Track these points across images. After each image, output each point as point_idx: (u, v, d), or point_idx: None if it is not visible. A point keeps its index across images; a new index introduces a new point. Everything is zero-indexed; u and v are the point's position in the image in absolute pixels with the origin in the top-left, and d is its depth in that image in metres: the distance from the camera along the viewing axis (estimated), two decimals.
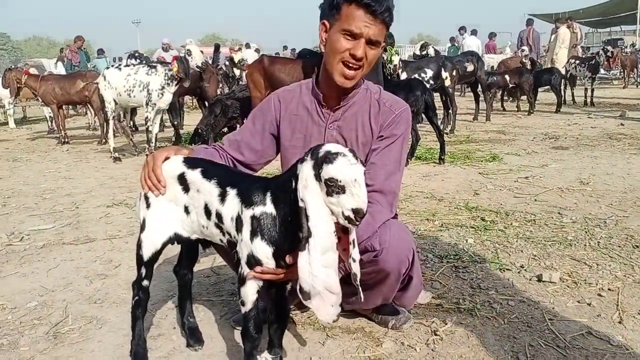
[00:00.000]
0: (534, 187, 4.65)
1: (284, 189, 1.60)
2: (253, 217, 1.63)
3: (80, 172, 6.27)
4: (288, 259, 1.62)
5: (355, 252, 1.59)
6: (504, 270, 2.80)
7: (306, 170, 1.49)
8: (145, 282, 1.95)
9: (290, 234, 1.58)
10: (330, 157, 1.46)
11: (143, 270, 1.93)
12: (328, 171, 1.45)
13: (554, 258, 2.94)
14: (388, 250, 1.95)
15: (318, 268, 1.48)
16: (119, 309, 2.51)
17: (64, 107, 9.25)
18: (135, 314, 1.99)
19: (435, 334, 2.17)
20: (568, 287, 2.57)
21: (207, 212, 1.76)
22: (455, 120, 8.51)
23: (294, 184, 1.55)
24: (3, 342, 2.26)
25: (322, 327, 2.27)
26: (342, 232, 1.56)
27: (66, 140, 8.75)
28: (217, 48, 13.33)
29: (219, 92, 9.08)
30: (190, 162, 1.85)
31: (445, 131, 8.15)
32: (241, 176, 1.80)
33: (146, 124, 6.80)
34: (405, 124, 2.09)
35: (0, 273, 3.06)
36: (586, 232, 3.34)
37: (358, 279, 1.61)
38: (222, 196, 1.72)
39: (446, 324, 2.25)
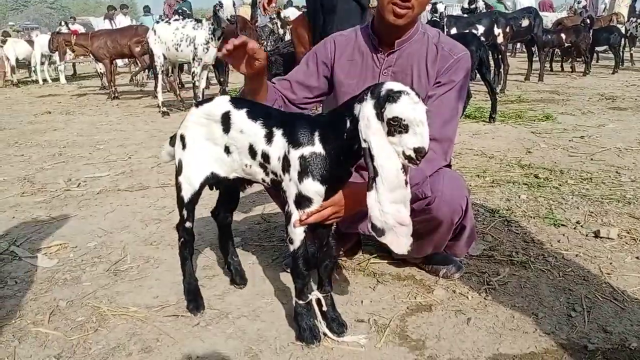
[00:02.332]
0: (590, 146, 4.48)
1: (335, 128, 1.58)
2: (301, 157, 1.62)
3: (130, 125, 6.42)
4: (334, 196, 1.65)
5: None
6: (558, 226, 2.73)
7: (367, 110, 1.46)
8: (188, 224, 1.98)
9: (340, 172, 1.61)
10: (393, 96, 1.42)
11: (185, 212, 1.95)
12: (392, 110, 1.41)
13: (611, 215, 2.85)
14: (441, 199, 1.92)
15: (387, 205, 1.47)
16: (174, 250, 2.54)
17: (114, 62, 9.40)
18: (183, 254, 2.04)
19: (488, 284, 2.16)
20: (626, 243, 2.49)
21: (252, 152, 1.76)
22: (506, 80, 8.22)
23: (348, 123, 1.53)
24: (67, 277, 2.37)
25: (372, 274, 2.29)
26: None
27: (116, 95, 8.95)
28: (254, 3, 13.12)
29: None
30: (236, 102, 1.84)
31: (495, 90, 7.92)
32: (287, 116, 1.79)
33: (192, 79, 6.86)
34: (465, 70, 2.02)
35: (60, 215, 3.20)
36: None
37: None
38: (269, 137, 1.71)
39: (499, 274, 2.23)
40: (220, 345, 1.81)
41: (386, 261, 2.39)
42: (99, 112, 7.60)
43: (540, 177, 3.57)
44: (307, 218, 1.68)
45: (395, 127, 1.42)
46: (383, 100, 1.43)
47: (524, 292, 2.09)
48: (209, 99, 1.93)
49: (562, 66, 11.45)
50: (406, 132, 1.41)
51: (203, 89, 6.95)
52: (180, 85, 9.40)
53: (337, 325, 1.82)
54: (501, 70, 8.19)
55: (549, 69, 11.16)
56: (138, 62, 9.51)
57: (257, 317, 1.98)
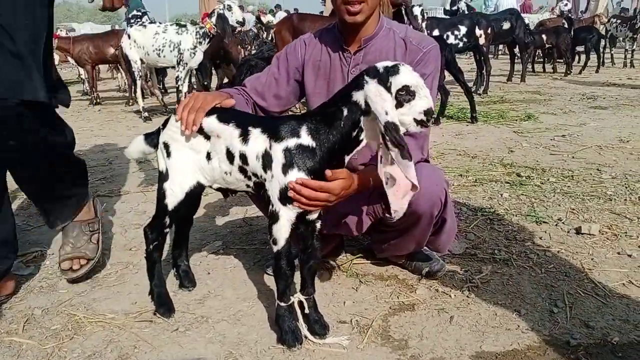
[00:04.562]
0: (571, 145, 4.51)
1: (328, 119, 1.58)
2: (286, 150, 1.60)
3: (112, 131, 6.34)
4: (329, 172, 1.61)
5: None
6: (540, 223, 2.73)
7: (375, 88, 1.48)
8: (167, 230, 1.96)
9: (334, 162, 1.61)
10: (393, 69, 1.49)
11: (166, 220, 1.92)
12: (399, 80, 1.47)
13: (592, 212, 2.86)
14: (419, 192, 1.90)
15: (413, 172, 1.50)
16: None
17: (96, 68, 9.27)
18: (153, 258, 2.00)
19: (471, 282, 2.14)
20: (608, 239, 2.50)
21: (230, 156, 1.73)
22: (489, 81, 8.27)
23: (346, 111, 1.54)
24: (42, 284, 2.32)
25: (355, 274, 2.27)
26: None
27: (98, 101, 8.84)
28: (241, 9, 13.14)
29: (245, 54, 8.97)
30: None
31: (478, 92, 7.95)
32: (261, 117, 1.79)
33: (176, 83, 6.81)
34: (435, 61, 2.01)
35: (37, 222, 3.13)
36: (626, 188, 3.23)
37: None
38: (244, 136, 1.69)
39: (481, 272, 2.22)
40: (200, 350, 1.78)
41: (369, 261, 2.37)
42: (80, 118, 7.49)
43: (523, 175, 3.58)
44: (302, 189, 1.60)
45: (404, 96, 1.47)
46: (385, 75, 1.48)
47: (507, 290, 2.08)
48: None
49: (544, 67, 11.57)
50: (414, 98, 1.47)
51: (185, 93, 6.88)
52: (163, 91, 9.32)
53: (319, 327, 1.79)
54: (483, 71, 8.23)
55: (531, 70, 11.26)
56: (120, 68, 9.39)
57: (237, 321, 1.94)
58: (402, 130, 1.48)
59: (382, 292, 2.12)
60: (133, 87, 7.29)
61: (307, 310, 1.79)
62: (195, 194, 1.90)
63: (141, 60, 6.86)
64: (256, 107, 2.13)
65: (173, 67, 7.12)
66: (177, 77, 6.74)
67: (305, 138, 1.60)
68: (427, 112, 1.49)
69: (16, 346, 1.84)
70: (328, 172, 1.61)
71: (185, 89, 6.90)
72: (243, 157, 1.70)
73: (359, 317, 1.93)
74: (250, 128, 1.69)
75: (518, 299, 2.01)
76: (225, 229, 2.90)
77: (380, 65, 1.52)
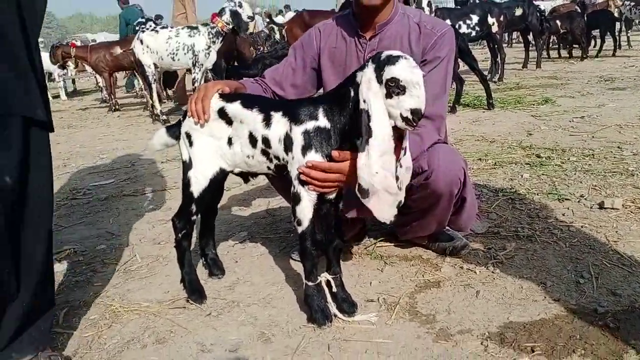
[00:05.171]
0: (590, 125, 4.48)
1: (340, 100, 1.62)
2: (305, 132, 1.65)
3: (132, 135, 6.45)
4: (335, 153, 1.64)
5: (405, 159, 1.61)
6: (562, 200, 2.74)
7: (369, 73, 1.52)
8: (193, 218, 2.02)
9: (345, 143, 1.63)
10: (392, 59, 1.49)
11: (193, 207, 1.98)
12: (390, 71, 1.48)
13: (615, 187, 2.86)
14: (438, 171, 1.94)
15: (376, 167, 1.52)
16: None
17: (113, 75, 9.42)
18: (182, 247, 2.06)
19: (495, 258, 2.17)
20: (631, 212, 2.50)
21: (253, 140, 1.79)
22: (504, 68, 8.23)
23: (352, 92, 1.57)
24: (78, 279, 2.40)
25: (380, 256, 2.30)
26: (397, 141, 1.57)
27: (117, 107, 9.00)
28: (252, 17, 13.20)
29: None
30: (228, 97, 1.88)
31: (493, 80, 7.92)
32: (283, 101, 1.83)
33: (193, 85, 6.90)
34: (449, 44, 2.04)
35: (68, 223, 3.22)
36: None
37: (404, 185, 1.63)
38: (267, 120, 1.75)
39: (505, 249, 2.24)
40: (233, 333, 1.83)
41: (392, 244, 2.41)
42: (101, 124, 7.64)
43: (542, 156, 3.58)
44: (311, 171, 1.65)
45: (393, 88, 1.48)
46: (383, 63, 1.50)
47: (531, 264, 2.10)
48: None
49: (559, 53, 11.47)
50: (403, 93, 1.48)
51: None
52: (167, 97, 9.40)
53: (348, 305, 1.84)
54: (497, 59, 8.19)
55: (547, 56, 11.16)
56: (137, 74, 9.53)
57: (267, 304, 2.00)
58: (391, 122, 1.52)
59: (407, 271, 2.15)
60: (149, 91, 7.41)
61: (334, 289, 1.83)
62: (218, 180, 1.95)
63: (154, 64, 6.96)
64: (275, 96, 2.19)
65: (188, 71, 7.22)
66: (194, 79, 6.83)
67: (322, 120, 1.65)
68: (414, 112, 1.48)
69: (57, 336, 1.91)
70: (335, 153, 1.65)
71: None
72: (266, 141, 1.76)
73: (385, 295, 1.97)
74: (272, 112, 1.74)
75: (543, 272, 2.03)
76: (249, 220, 2.96)
77: (386, 53, 1.54)
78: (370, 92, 1.50)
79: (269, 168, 1.84)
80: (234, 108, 1.83)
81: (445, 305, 1.86)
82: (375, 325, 1.78)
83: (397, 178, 1.58)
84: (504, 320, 1.74)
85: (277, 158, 1.77)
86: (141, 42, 6.94)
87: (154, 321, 1.96)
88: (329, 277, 1.84)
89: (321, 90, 2.23)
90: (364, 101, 1.52)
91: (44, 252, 1.65)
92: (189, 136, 1.93)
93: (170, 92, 9.07)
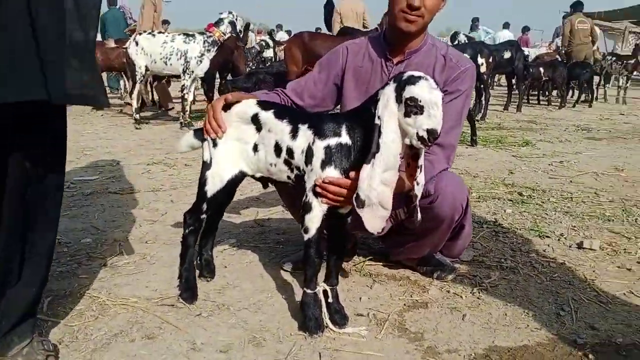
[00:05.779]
0: (568, 170, 4.66)
1: (362, 117, 1.69)
2: (327, 147, 1.71)
3: (117, 134, 6.41)
4: (352, 174, 1.70)
5: (420, 177, 1.69)
6: (543, 237, 2.85)
7: (388, 92, 1.60)
8: (203, 216, 2.05)
9: (363, 161, 1.67)
10: (413, 79, 1.56)
11: (205, 206, 2.01)
12: (410, 91, 1.54)
13: (592, 230, 2.98)
14: (443, 197, 2.01)
15: (377, 182, 1.59)
16: (171, 248, 2.60)
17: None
18: (187, 242, 2.09)
19: (480, 285, 2.24)
20: (608, 254, 2.62)
21: (278, 149, 1.85)
22: (487, 108, 8.47)
23: (373, 109, 1.63)
24: (62, 269, 2.38)
25: (369, 274, 2.36)
26: (412, 159, 1.64)
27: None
28: (247, 26, 13.33)
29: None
30: (264, 104, 1.94)
31: (476, 118, 8.13)
32: (311, 114, 1.89)
33: (182, 91, 6.91)
34: (470, 80, 2.14)
35: None
36: (623, 211, 3.36)
37: (417, 200, 1.71)
38: (294, 132, 1.81)
39: (490, 277, 2.32)
40: (223, 334, 1.85)
41: (381, 263, 2.46)
42: (84, 122, 7.55)
43: (524, 194, 3.71)
44: (328, 185, 1.71)
45: (412, 107, 1.55)
46: (404, 82, 1.57)
47: (515, 294, 2.18)
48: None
49: (538, 99, 11.84)
50: (421, 113, 1.54)
51: (190, 102, 6.99)
52: (152, 102, 9.35)
53: (340, 317, 1.88)
54: (482, 99, 8.43)
55: (526, 101, 11.53)
56: (124, 75, 9.47)
57: (258, 310, 2.02)
58: (406, 140, 1.59)
59: (396, 290, 2.20)
60: (131, 89, 7.36)
61: (330, 300, 1.87)
62: (234, 183, 1.99)
63: (146, 67, 6.94)
64: (294, 106, 2.23)
65: (177, 77, 7.22)
66: (183, 85, 6.84)
67: (344, 137, 1.71)
68: (430, 132, 1.53)
69: (41, 324, 1.89)
70: (352, 174, 1.71)
71: (191, 97, 7.00)
72: (290, 152, 1.82)
73: (375, 311, 2.02)
74: (300, 125, 1.80)
75: (526, 302, 2.11)
76: (238, 228, 2.98)
77: (408, 73, 1.61)
78: (386, 110, 1.58)
79: (288, 177, 1.89)
80: (267, 116, 1.88)
81: (433, 325, 1.92)
82: (365, 338, 1.82)
83: (415, 196, 1.66)
84: (489, 343, 1.80)
85: (298, 169, 1.83)
86: (136, 43, 6.94)
87: (143, 317, 1.96)
88: (327, 287, 1.88)
89: (339, 107, 2.30)
90: (379, 117, 1.59)
91: (52, 240, 1.66)
92: (214, 137, 1.98)
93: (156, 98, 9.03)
